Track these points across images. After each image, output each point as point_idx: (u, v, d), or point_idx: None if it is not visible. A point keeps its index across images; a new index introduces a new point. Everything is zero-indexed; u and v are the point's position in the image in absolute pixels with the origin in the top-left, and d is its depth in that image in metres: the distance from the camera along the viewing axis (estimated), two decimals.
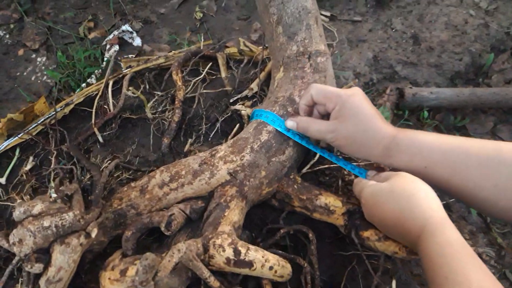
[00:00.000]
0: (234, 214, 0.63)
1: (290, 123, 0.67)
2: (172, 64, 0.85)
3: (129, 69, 0.88)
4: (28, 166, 0.77)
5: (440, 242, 0.46)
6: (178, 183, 0.65)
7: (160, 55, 0.93)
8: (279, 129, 0.68)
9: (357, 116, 0.57)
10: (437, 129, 1.18)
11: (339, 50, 1.31)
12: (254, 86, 0.86)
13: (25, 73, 1.24)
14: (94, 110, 0.83)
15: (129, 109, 0.83)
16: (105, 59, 1.20)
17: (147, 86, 0.87)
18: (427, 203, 0.50)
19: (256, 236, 0.71)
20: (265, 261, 0.58)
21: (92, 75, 1.13)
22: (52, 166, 0.74)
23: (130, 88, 0.77)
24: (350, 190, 0.77)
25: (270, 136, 0.68)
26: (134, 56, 1.24)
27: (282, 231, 0.67)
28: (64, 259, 0.56)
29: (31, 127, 0.82)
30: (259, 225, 0.73)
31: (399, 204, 0.52)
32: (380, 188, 0.55)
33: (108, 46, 1.27)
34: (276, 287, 0.66)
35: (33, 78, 1.22)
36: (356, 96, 0.58)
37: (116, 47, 1.26)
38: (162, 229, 0.60)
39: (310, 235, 0.67)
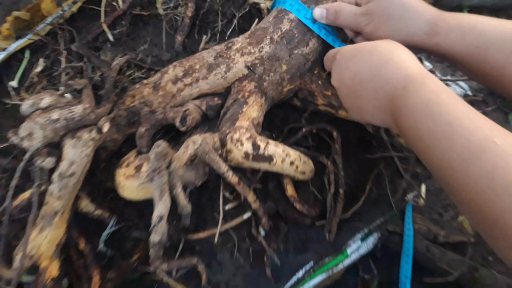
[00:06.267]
0: (253, 110, 0.59)
1: (318, 10, 0.60)
2: None
3: None
4: (39, 68, 0.73)
5: (433, 89, 0.40)
6: (192, 78, 0.60)
7: None
8: (303, 20, 0.61)
9: None
10: None
11: None
12: None
13: None
14: (102, 8, 0.77)
15: (139, 5, 0.76)
16: None
17: None
18: (406, 61, 0.44)
19: (276, 137, 0.67)
20: (286, 155, 0.54)
21: None
22: (62, 66, 0.70)
23: None
24: None
25: (292, 25, 0.61)
26: None
27: (304, 129, 0.63)
28: (76, 153, 0.53)
29: (39, 28, 0.77)
30: (280, 126, 0.69)
31: (378, 60, 0.46)
32: (363, 44, 0.50)
33: None
34: (298, 187, 0.64)
35: None
36: None
37: None
38: (177, 124, 0.57)
39: (335, 133, 0.62)
